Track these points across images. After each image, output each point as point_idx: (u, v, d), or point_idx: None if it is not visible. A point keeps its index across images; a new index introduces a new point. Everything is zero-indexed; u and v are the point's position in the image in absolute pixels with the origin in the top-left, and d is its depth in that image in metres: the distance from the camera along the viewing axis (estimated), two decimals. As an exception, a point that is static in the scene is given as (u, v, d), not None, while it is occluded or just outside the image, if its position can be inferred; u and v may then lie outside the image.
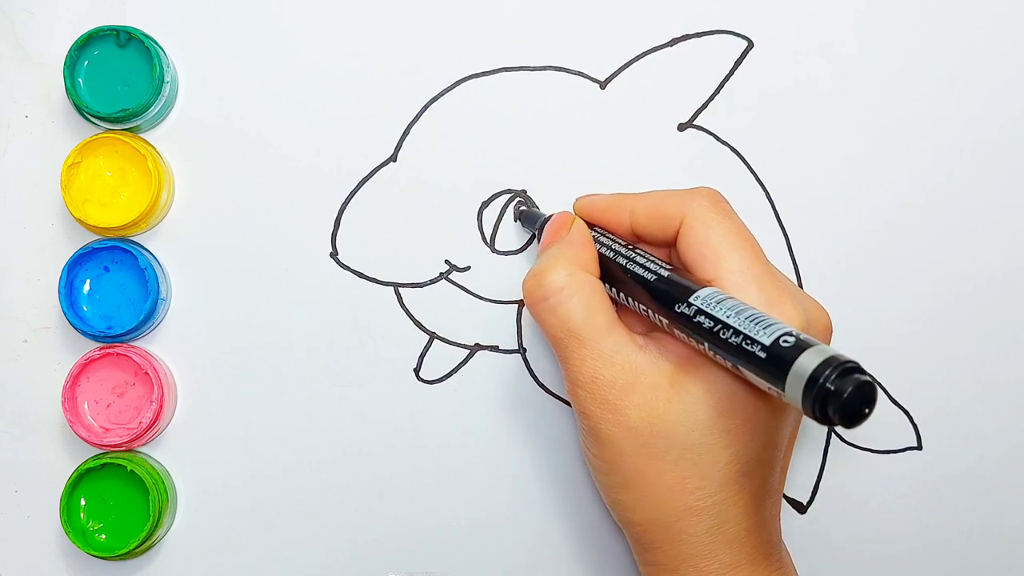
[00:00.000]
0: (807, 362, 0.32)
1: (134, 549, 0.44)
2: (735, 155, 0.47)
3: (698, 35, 0.47)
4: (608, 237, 0.41)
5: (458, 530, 0.47)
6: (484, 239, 0.46)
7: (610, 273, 0.40)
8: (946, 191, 0.47)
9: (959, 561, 0.47)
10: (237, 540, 0.46)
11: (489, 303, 0.47)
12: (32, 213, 0.46)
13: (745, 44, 0.47)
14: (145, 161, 0.44)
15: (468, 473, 0.47)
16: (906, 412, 0.47)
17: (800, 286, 0.47)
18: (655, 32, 0.47)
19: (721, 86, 0.47)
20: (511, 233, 0.46)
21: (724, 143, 0.47)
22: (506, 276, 0.46)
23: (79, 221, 0.45)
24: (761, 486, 0.38)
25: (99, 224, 0.45)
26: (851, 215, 0.47)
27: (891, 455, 0.47)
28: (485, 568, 0.47)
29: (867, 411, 0.32)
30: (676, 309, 0.37)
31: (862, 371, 0.32)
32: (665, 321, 0.38)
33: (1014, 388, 0.47)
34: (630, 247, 0.40)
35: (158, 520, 0.44)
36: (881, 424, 0.47)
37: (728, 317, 0.35)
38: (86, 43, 0.44)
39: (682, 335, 0.37)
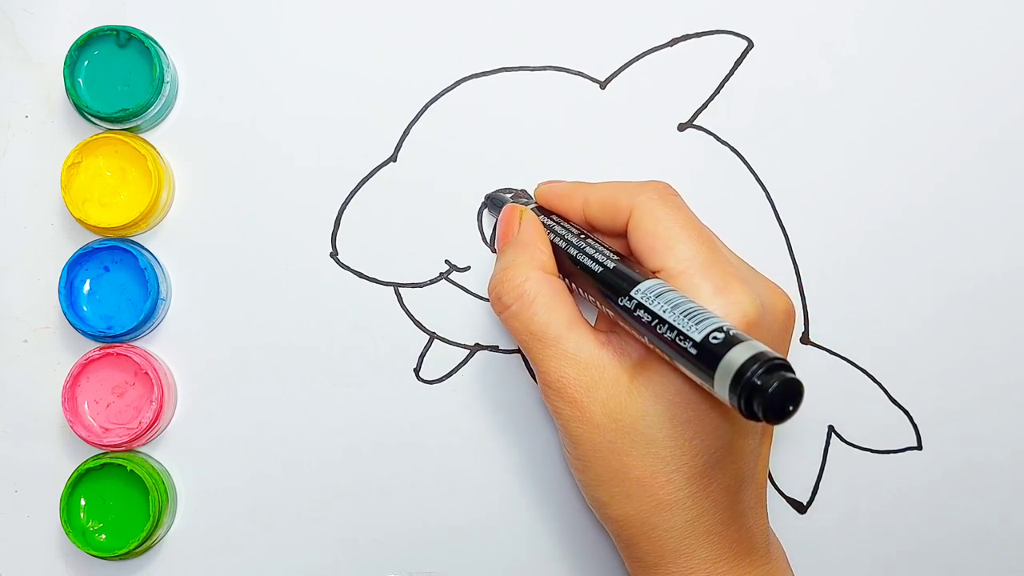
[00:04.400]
0: (734, 357, 0.32)
1: (134, 549, 0.44)
2: (735, 155, 0.47)
3: (698, 35, 0.47)
4: (563, 226, 0.41)
5: (458, 530, 0.47)
6: (484, 239, 0.46)
7: (563, 265, 0.40)
8: (946, 191, 0.47)
9: (959, 561, 0.47)
10: (237, 540, 0.46)
11: (489, 303, 0.47)
12: (32, 213, 0.46)
13: (745, 44, 0.47)
14: (145, 161, 0.44)
15: (468, 473, 0.47)
16: (906, 412, 0.47)
17: (800, 286, 0.47)
18: (655, 32, 0.47)
19: (721, 86, 0.47)
20: (511, 233, 0.46)
21: (724, 143, 0.47)
22: (506, 276, 0.46)
23: (79, 221, 0.45)
24: (733, 478, 0.38)
25: (99, 224, 0.45)
26: (851, 215, 0.47)
27: (891, 455, 0.47)
28: (485, 568, 0.47)
29: (792, 408, 0.32)
30: (619, 302, 0.37)
31: (789, 368, 0.32)
32: (612, 313, 0.38)
33: (1014, 388, 0.47)
34: (583, 236, 0.40)
35: (158, 520, 0.44)
36: (881, 424, 0.47)
37: (664, 311, 0.35)
38: (86, 43, 0.44)
39: (627, 328, 0.37)
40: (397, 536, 0.47)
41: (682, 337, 0.34)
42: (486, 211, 0.46)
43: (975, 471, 0.47)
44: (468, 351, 0.47)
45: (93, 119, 0.45)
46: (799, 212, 0.47)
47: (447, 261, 0.47)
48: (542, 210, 0.42)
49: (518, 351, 0.47)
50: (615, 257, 0.39)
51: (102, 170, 0.45)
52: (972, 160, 0.47)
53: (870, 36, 0.47)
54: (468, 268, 0.46)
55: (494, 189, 0.46)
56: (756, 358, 0.32)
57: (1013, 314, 0.47)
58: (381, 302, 0.47)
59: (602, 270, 0.38)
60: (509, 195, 0.46)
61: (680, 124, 0.47)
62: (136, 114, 0.44)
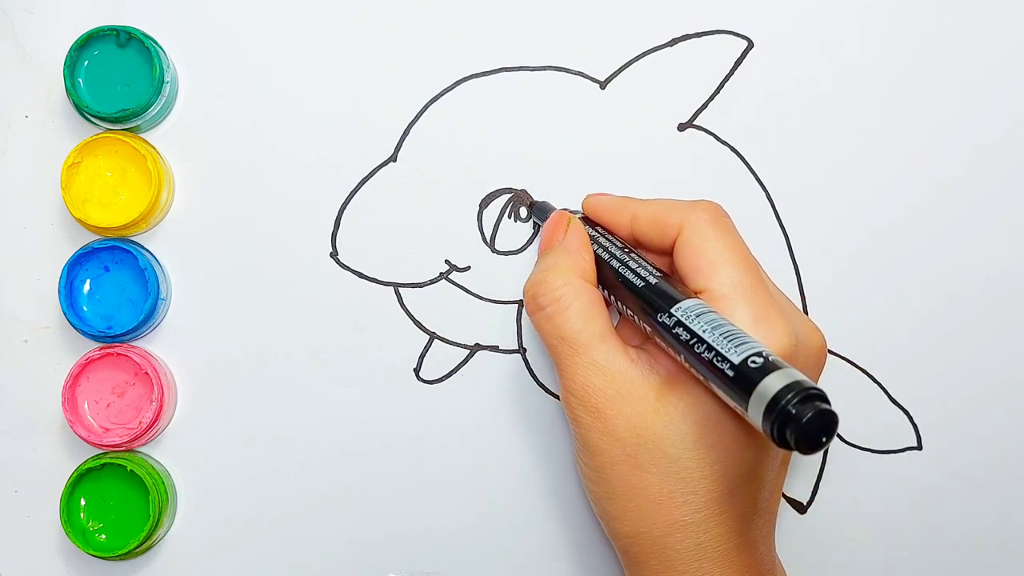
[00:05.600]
0: (771, 384, 0.32)
1: (134, 549, 0.44)
2: (735, 155, 0.47)
3: (698, 35, 0.47)
4: (607, 239, 0.41)
5: (458, 530, 0.47)
6: (484, 239, 0.46)
7: (604, 277, 0.40)
8: (947, 191, 0.47)
9: (959, 561, 0.47)
10: (237, 540, 0.46)
11: (489, 303, 0.47)
12: (32, 213, 0.46)
13: (745, 44, 0.47)
14: (145, 161, 0.44)
15: (468, 473, 0.47)
16: (906, 412, 0.47)
17: (800, 286, 0.47)
18: (655, 32, 0.47)
19: (721, 86, 0.47)
20: (511, 233, 0.46)
21: (724, 143, 0.47)
22: (506, 276, 0.46)
23: (79, 221, 0.45)
24: (750, 505, 0.38)
25: (99, 224, 0.45)
26: (851, 215, 0.47)
27: (891, 455, 0.47)
28: (485, 568, 0.47)
29: (825, 439, 0.32)
30: (658, 318, 0.37)
31: (825, 399, 0.32)
32: (649, 329, 0.38)
33: (1014, 388, 0.47)
34: (627, 250, 0.40)
35: (158, 520, 0.44)
36: (881, 424, 0.47)
37: (704, 331, 0.35)
38: (86, 43, 0.44)
39: (663, 344, 0.37)
40: (398, 536, 0.47)
41: (719, 358, 0.34)
42: (486, 211, 0.46)
43: (975, 471, 0.47)
44: (468, 351, 0.47)
45: (93, 119, 0.45)
46: (799, 212, 0.47)
47: (447, 261, 0.47)
48: (588, 221, 0.43)
49: (518, 351, 0.47)
50: (658, 274, 0.39)
51: (102, 170, 0.45)
52: (973, 160, 0.47)
53: (871, 36, 0.47)
54: (468, 268, 0.46)
55: (494, 189, 0.46)
56: (793, 386, 0.32)
57: (1013, 314, 0.47)
58: (381, 302, 0.47)
59: (643, 285, 0.38)
60: (509, 195, 0.46)
61: (680, 124, 0.47)
62: (136, 114, 0.44)
